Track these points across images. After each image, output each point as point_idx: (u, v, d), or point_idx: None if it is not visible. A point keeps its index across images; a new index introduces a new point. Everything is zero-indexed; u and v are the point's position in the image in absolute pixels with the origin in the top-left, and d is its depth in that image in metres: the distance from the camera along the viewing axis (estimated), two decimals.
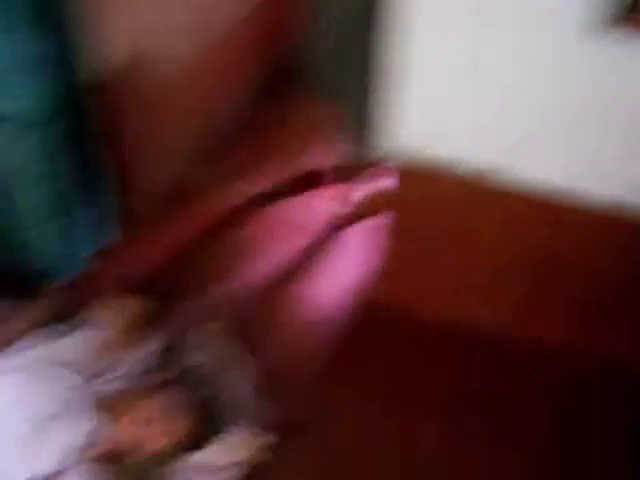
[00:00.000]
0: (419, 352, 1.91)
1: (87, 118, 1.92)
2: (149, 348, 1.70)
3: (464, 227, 1.80)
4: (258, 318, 1.96)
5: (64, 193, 1.91)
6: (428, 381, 1.83)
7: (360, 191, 2.32)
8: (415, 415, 1.76)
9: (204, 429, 1.53)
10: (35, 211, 1.90)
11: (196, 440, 1.53)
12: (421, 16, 1.58)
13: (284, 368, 1.82)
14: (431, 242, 1.86)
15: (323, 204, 2.38)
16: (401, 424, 1.73)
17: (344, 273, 2.12)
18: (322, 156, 2.43)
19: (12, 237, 1.95)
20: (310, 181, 2.46)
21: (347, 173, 2.34)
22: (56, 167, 1.85)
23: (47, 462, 1.47)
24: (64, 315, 1.76)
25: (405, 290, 1.98)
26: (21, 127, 1.74)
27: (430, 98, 1.67)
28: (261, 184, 2.46)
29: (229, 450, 1.54)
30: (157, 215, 2.29)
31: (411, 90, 1.65)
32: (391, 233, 1.94)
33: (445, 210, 1.80)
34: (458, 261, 1.87)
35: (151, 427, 1.49)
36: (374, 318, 1.95)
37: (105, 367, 1.61)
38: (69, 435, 1.49)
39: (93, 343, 1.65)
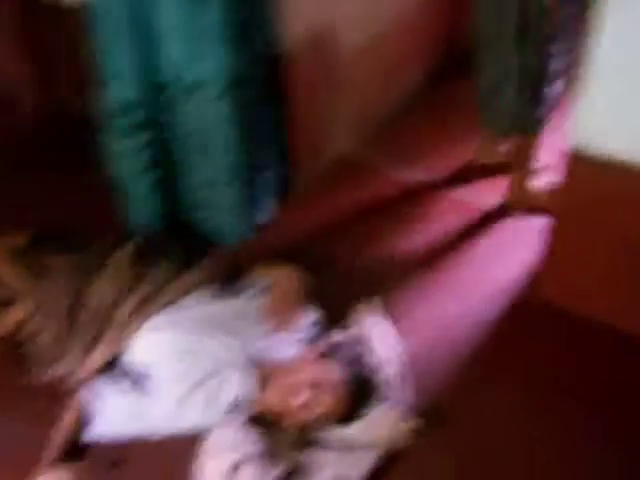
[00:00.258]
0: (573, 352, 1.87)
1: (269, 89, 1.99)
2: (307, 320, 1.74)
3: (632, 229, 1.71)
4: (411, 299, 1.96)
5: (245, 162, 1.98)
6: (578, 381, 1.78)
7: (525, 186, 2.26)
8: (562, 414, 1.71)
9: (351, 405, 1.55)
10: (217, 175, 1.97)
11: (342, 415, 1.55)
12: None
13: (432, 353, 1.81)
14: (596, 243, 1.79)
15: (483, 196, 2.35)
16: (546, 422, 1.69)
17: (500, 267, 2.08)
18: (486, 149, 2.39)
19: (191, 198, 2.05)
20: (474, 172, 2.43)
21: (511, 168, 2.29)
22: (241, 135, 1.92)
23: (201, 417, 1.55)
24: (227, 278, 1.82)
25: (564, 290, 1.92)
26: (211, 93, 1.82)
27: (606, 94, 1.60)
28: (428, 170, 2.47)
29: (373, 429, 1.55)
30: (323, 187, 2.35)
31: (590, 86, 1.60)
32: (553, 233, 1.88)
33: (612, 211, 1.72)
34: (623, 265, 1.78)
35: (302, 397, 1.51)
36: (530, 315, 1.93)
37: (263, 334, 1.67)
38: (222, 394, 1.55)
39: (254, 309, 1.71)
